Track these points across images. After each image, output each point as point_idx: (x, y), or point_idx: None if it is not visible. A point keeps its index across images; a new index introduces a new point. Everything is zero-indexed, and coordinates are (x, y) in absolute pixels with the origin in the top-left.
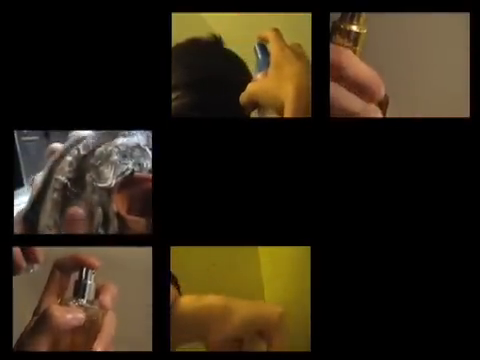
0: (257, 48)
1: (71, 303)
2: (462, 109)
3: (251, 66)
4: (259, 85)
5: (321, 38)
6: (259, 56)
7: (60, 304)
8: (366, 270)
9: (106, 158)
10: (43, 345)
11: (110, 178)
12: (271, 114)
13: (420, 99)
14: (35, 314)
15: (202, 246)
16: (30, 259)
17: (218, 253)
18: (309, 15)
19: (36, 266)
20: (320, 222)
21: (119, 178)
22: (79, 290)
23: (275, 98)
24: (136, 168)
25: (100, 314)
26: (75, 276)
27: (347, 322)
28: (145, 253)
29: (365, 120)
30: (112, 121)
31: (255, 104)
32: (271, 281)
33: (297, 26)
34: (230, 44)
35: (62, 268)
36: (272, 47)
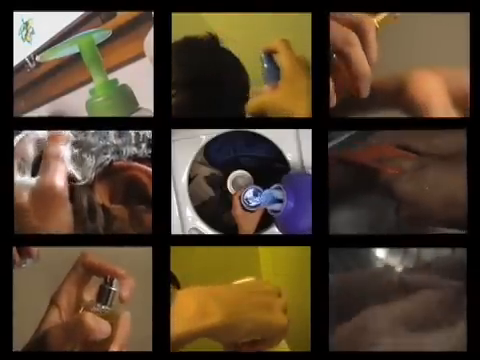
0: (263, 57)
1: (94, 309)
2: None
3: (249, 67)
4: (270, 97)
5: (321, 38)
6: (265, 65)
7: (85, 310)
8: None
9: (87, 148)
10: (69, 348)
11: (90, 171)
12: None
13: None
14: (52, 302)
15: (202, 246)
16: (23, 254)
17: (218, 253)
18: (309, 15)
19: (29, 261)
20: (321, 221)
21: (98, 169)
22: (103, 296)
23: (285, 111)
24: (115, 157)
25: (117, 317)
26: (98, 279)
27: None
28: (145, 253)
29: (365, 120)
30: (112, 121)
31: (263, 115)
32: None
33: (297, 26)
34: (231, 44)
35: (87, 267)
36: (282, 59)
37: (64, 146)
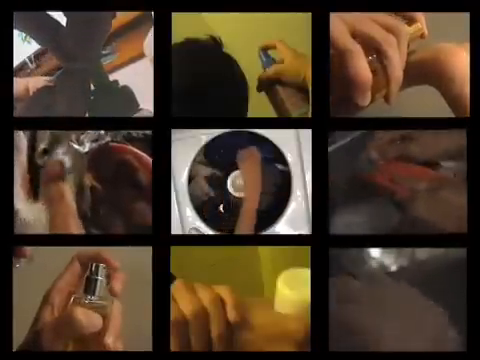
0: (261, 53)
1: (83, 301)
2: None
3: (248, 67)
4: (282, 66)
5: (321, 38)
6: (264, 59)
7: (74, 302)
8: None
9: None
10: (63, 346)
11: (86, 142)
12: (289, 90)
13: (420, 99)
14: (44, 301)
15: (202, 246)
16: (16, 254)
17: (218, 253)
18: (309, 15)
19: (23, 261)
20: (321, 221)
21: (94, 145)
22: (89, 287)
23: (298, 74)
24: (113, 135)
25: (109, 308)
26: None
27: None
28: (145, 253)
29: (365, 120)
30: (112, 121)
31: (276, 80)
32: (271, 281)
33: (297, 26)
34: (230, 44)
35: (83, 262)
36: (281, 47)
37: None
